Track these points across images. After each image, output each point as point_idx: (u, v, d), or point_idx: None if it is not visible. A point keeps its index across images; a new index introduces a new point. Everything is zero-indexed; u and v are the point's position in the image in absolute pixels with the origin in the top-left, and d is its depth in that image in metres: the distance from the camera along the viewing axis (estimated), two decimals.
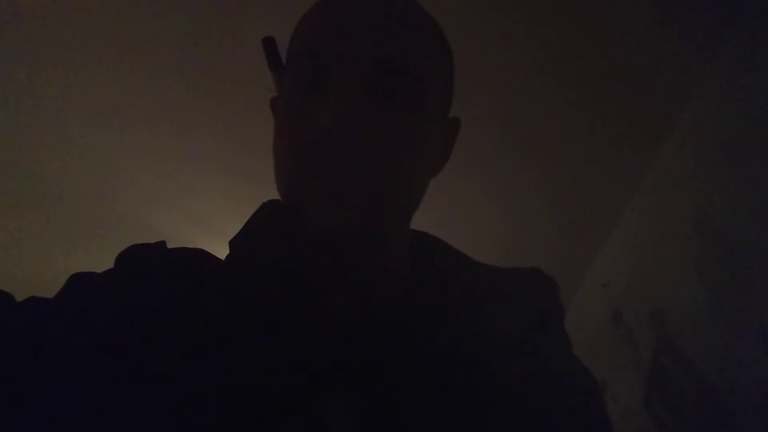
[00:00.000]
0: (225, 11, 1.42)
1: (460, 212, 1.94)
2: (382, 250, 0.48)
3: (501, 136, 1.71)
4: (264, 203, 0.54)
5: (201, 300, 0.45)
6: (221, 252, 0.52)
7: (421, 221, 0.57)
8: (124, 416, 0.39)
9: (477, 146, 1.73)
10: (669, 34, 1.38)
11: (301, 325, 0.45)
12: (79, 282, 0.48)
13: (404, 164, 0.45)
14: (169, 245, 0.54)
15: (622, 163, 1.75)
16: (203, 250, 0.53)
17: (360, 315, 0.47)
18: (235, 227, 0.51)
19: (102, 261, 0.53)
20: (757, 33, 1.31)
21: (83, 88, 1.64)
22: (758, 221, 1.28)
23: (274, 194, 0.50)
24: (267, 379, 0.41)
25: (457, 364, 0.44)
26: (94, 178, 1.98)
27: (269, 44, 0.56)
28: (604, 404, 0.51)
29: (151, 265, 0.49)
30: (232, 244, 0.50)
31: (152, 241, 0.54)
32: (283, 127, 0.46)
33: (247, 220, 0.53)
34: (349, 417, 0.41)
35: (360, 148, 0.42)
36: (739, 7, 1.32)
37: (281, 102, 0.49)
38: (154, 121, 1.75)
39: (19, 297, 0.47)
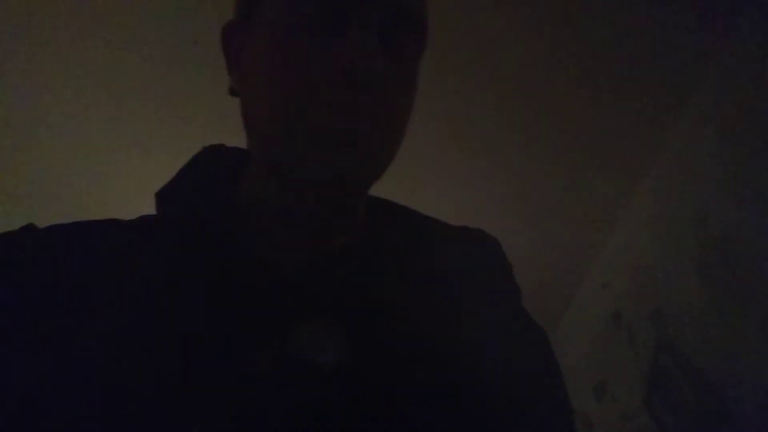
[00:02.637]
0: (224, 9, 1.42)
1: (458, 212, 1.94)
2: (362, 195, 0.49)
3: (500, 135, 1.71)
4: (205, 147, 0.53)
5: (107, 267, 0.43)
6: None
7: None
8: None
9: (476, 146, 1.73)
10: (672, 30, 1.38)
11: (247, 271, 0.45)
12: None
13: (405, 115, 0.46)
14: None
15: (622, 163, 1.75)
16: (98, 221, 0.50)
17: (316, 258, 0.47)
18: None
19: None
20: (758, 32, 1.31)
21: (80, 86, 1.64)
22: (758, 221, 1.28)
23: None
24: (223, 320, 0.41)
25: (413, 310, 0.45)
26: (92, 175, 1.98)
27: None
28: (553, 353, 0.52)
29: (20, 254, 0.45)
30: (159, 195, 0.48)
31: None
32: (278, 62, 0.43)
33: (181, 167, 0.52)
34: (321, 343, 0.41)
35: (375, 93, 0.41)
36: (742, 4, 1.31)
37: (267, 34, 0.45)
38: (152, 117, 1.75)
39: None
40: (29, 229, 0.47)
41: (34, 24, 1.45)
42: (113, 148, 1.84)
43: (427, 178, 1.84)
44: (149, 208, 0.50)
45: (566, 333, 2.34)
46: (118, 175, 1.97)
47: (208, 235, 0.46)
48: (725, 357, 1.35)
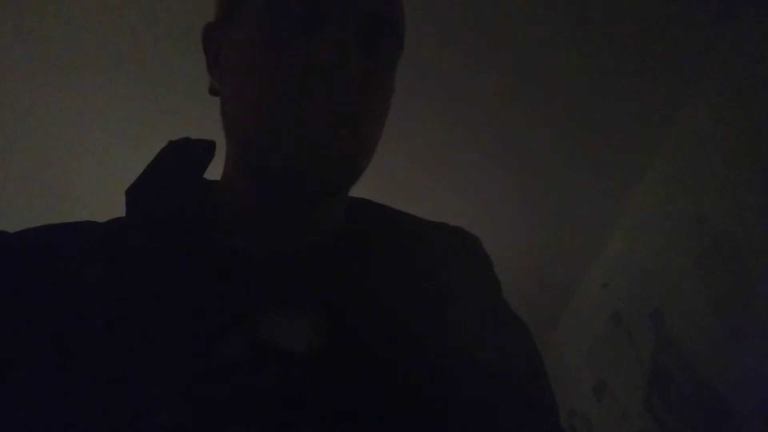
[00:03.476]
0: None
1: (458, 213, 1.94)
2: (340, 195, 0.49)
3: (500, 134, 1.71)
4: (171, 142, 0.53)
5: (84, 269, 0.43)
6: None
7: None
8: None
9: (475, 147, 1.73)
10: (671, 30, 1.38)
11: (216, 259, 0.45)
12: None
13: (380, 117, 0.47)
14: None
15: (622, 163, 1.75)
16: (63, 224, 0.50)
17: (289, 250, 0.47)
18: None
19: None
20: (758, 31, 1.31)
21: (87, 90, 1.64)
22: (758, 221, 1.28)
23: None
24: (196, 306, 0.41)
25: (388, 299, 0.45)
26: (97, 178, 1.98)
27: None
28: (535, 345, 0.52)
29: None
30: (129, 193, 0.48)
31: None
32: (256, 61, 0.44)
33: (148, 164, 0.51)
34: (292, 328, 0.41)
35: (350, 93, 0.42)
36: (740, 5, 1.31)
37: (247, 33, 0.46)
38: (157, 120, 1.75)
39: None
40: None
41: (32, 20, 1.46)
42: (111, 149, 1.84)
43: (427, 178, 1.84)
44: None
45: (566, 333, 2.34)
46: (118, 177, 1.97)
47: (177, 227, 0.46)
48: (725, 357, 1.36)
